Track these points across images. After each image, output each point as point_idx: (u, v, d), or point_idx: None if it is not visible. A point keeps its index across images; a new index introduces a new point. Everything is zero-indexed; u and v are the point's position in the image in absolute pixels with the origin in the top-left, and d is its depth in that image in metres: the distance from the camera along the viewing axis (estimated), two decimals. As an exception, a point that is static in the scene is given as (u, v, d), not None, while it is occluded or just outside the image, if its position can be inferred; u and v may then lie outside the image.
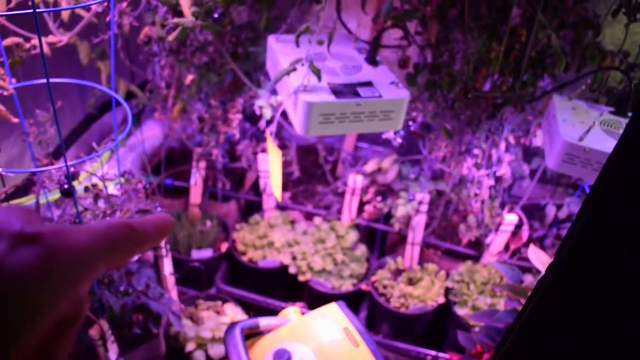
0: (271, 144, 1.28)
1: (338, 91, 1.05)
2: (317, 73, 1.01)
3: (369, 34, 1.85)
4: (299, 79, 1.05)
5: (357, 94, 1.06)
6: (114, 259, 0.34)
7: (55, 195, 1.34)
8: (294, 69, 1.02)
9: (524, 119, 1.56)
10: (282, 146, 1.96)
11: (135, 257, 1.33)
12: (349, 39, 1.32)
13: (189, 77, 1.41)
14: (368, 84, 1.11)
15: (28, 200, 1.46)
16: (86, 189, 1.14)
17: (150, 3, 1.28)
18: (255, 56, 1.51)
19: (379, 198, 1.77)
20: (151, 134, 2.08)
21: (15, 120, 1.16)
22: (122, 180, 1.22)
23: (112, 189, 1.24)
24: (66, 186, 0.99)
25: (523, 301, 1.17)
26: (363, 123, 1.08)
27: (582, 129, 1.18)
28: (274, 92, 1.55)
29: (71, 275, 0.30)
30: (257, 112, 1.58)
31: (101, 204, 1.13)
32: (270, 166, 1.35)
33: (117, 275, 1.27)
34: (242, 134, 1.80)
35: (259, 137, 1.84)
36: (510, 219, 1.63)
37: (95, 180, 1.09)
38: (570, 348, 0.37)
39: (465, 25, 1.27)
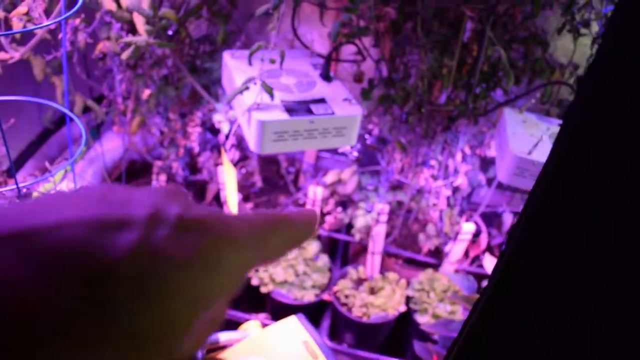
0: (226, 161, 1.29)
1: (291, 109, 1.07)
2: (269, 91, 1.03)
3: (330, 46, 1.88)
4: (252, 97, 1.06)
5: (310, 112, 1.08)
6: (270, 253, 0.31)
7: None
8: (247, 88, 1.03)
9: (478, 131, 1.60)
10: (244, 157, 1.97)
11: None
12: (306, 54, 1.34)
13: (147, 92, 1.41)
14: (321, 100, 1.12)
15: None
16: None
17: (104, 19, 1.28)
18: (211, 70, 1.52)
19: (339, 209, 1.79)
20: (111, 146, 2.07)
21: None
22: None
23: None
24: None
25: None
26: (317, 140, 1.10)
27: (531, 142, 1.21)
28: (232, 105, 1.56)
29: (231, 267, 0.28)
30: (217, 125, 1.59)
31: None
32: (226, 182, 1.36)
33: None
34: (203, 146, 1.81)
35: (220, 149, 1.85)
36: (468, 227, 1.67)
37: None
38: (516, 352, 0.38)
39: (418, 41, 1.29)
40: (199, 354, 1.09)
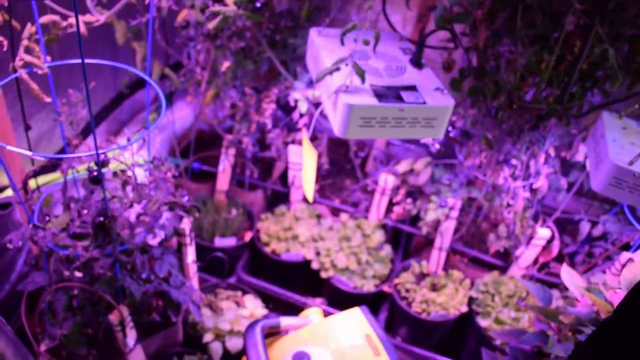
0: (307, 143, 1.25)
1: (381, 94, 1.01)
2: (362, 75, 0.97)
3: (413, 30, 1.80)
4: (341, 79, 1.01)
5: (400, 99, 1.02)
6: None
7: (83, 171, 1.32)
8: (338, 69, 0.98)
9: (566, 132, 1.50)
10: (313, 138, 1.92)
11: (158, 242, 1.31)
12: (394, 37, 1.28)
13: (225, 64, 1.38)
14: (412, 88, 1.06)
15: (56, 179, 1.45)
16: (115, 174, 1.12)
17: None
18: (293, 46, 1.47)
19: (409, 200, 1.72)
20: (182, 114, 2.06)
21: (48, 99, 1.14)
22: (152, 166, 1.20)
23: (141, 174, 1.22)
24: (95, 173, 0.97)
25: (553, 325, 1.12)
26: (404, 129, 1.04)
27: (632, 152, 1.12)
28: (310, 84, 1.51)
29: None
30: (292, 103, 1.55)
31: (129, 190, 1.10)
32: (304, 166, 1.31)
33: (140, 261, 1.26)
34: (274, 123, 1.77)
35: (291, 127, 1.81)
36: (543, 233, 1.58)
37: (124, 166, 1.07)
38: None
39: (516, 32, 1.21)
40: None
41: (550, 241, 1.71)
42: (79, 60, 0.87)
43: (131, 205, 1.03)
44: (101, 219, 1.02)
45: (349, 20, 1.85)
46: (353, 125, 0.99)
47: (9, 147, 0.95)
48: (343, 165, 2.03)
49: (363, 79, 0.98)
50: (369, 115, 0.99)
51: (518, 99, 1.31)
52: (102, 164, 0.98)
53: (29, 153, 0.95)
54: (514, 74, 1.26)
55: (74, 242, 1.10)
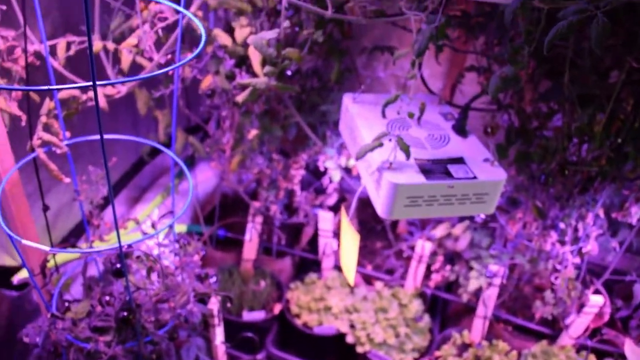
0: (347, 226, 1.16)
1: (427, 169, 0.92)
2: (406, 150, 0.88)
3: (443, 87, 1.73)
4: (383, 154, 0.92)
5: (448, 174, 0.93)
6: None
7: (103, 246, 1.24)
8: (381, 145, 0.89)
9: (617, 192, 1.40)
10: (342, 199, 1.84)
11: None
12: (432, 100, 1.20)
13: (253, 132, 1.31)
14: (459, 160, 0.97)
15: (75, 256, 1.38)
16: (138, 258, 1.03)
17: (217, 54, 1.19)
18: (322, 109, 1.40)
19: (448, 267, 1.62)
20: (204, 177, 1.99)
21: (67, 180, 1.07)
22: (177, 245, 1.12)
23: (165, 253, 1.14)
24: (118, 265, 0.89)
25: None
26: (453, 206, 0.94)
27: None
28: (341, 148, 1.44)
29: None
30: (321, 168, 1.47)
31: (154, 277, 1.02)
32: (343, 249, 1.23)
33: (166, 345, 1.16)
34: (302, 186, 1.69)
35: (319, 190, 1.73)
36: (596, 300, 1.46)
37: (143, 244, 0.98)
38: None
39: (564, 93, 1.12)
40: None
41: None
42: (98, 137, 0.80)
43: (158, 298, 0.94)
44: (125, 313, 0.93)
45: (374, 77, 1.79)
46: (399, 205, 0.90)
47: (25, 242, 0.87)
48: (373, 227, 1.93)
49: (408, 155, 0.89)
50: (416, 194, 0.90)
51: (568, 163, 1.21)
52: (125, 255, 0.90)
53: (46, 248, 0.87)
54: (563, 137, 1.17)
55: (95, 335, 1.01)
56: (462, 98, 1.53)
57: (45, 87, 0.66)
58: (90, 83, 0.64)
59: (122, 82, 1.17)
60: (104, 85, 1.18)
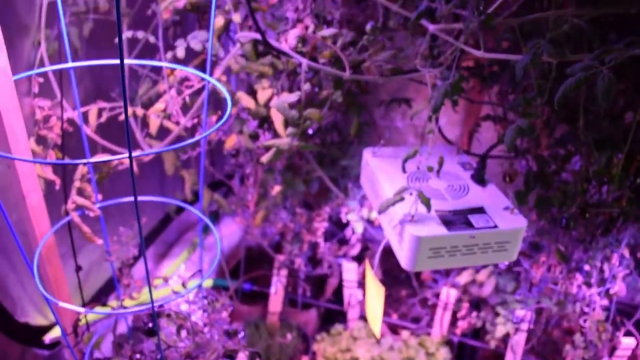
0: (372, 278, 1.18)
1: (448, 221, 0.95)
2: (427, 203, 0.91)
3: (460, 134, 1.76)
4: (404, 207, 0.95)
5: (469, 224, 0.95)
6: None
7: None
8: (402, 199, 0.92)
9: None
10: (365, 248, 1.85)
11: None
12: (450, 150, 1.23)
13: (276, 188, 1.34)
14: (480, 210, 0.99)
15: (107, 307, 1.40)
16: (169, 316, 1.06)
17: (240, 116, 1.24)
18: (344, 165, 1.43)
19: (474, 313, 1.61)
20: (228, 231, 2.02)
21: (100, 242, 1.11)
22: (206, 302, 1.14)
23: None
24: (150, 325, 0.91)
25: None
26: (475, 256, 0.96)
27: None
28: (363, 200, 1.46)
29: None
30: (344, 220, 1.49)
31: (184, 335, 1.04)
32: (368, 301, 1.24)
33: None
34: (325, 237, 1.71)
35: (342, 241, 1.75)
36: (629, 343, 1.44)
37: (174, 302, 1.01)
38: None
39: (580, 138, 1.14)
40: None
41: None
42: (131, 199, 0.83)
43: (188, 355, 0.96)
44: (157, 373, 0.95)
45: (393, 127, 1.83)
46: (422, 257, 0.92)
47: (62, 304, 0.91)
48: (397, 275, 1.94)
49: (429, 208, 0.92)
50: (439, 245, 0.92)
51: (589, 205, 1.22)
52: (157, 314, 0.92)
53: (81, 310, 0.90)
54: (582, 180, 1.18)
55: (128, 396, 1.03)
56: (479, 146, 1.56)
57: (84, 161, 0.70)
58: (126, 154, 0.68)
59: (157, 153, 1.22)
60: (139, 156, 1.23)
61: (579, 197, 1.21)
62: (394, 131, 1.75)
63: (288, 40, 1.01)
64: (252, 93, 1.21)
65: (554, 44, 0.83)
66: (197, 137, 0.75)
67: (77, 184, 1.14)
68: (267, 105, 1.15)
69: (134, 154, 1.22)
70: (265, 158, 1.07)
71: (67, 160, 1.02)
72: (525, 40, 1.05)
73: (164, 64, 1.15)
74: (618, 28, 0.98)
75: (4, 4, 1.13)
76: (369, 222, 1.59)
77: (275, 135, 1.17)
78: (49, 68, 1.12)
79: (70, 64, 1.04)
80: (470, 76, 1.21)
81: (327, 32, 0.97)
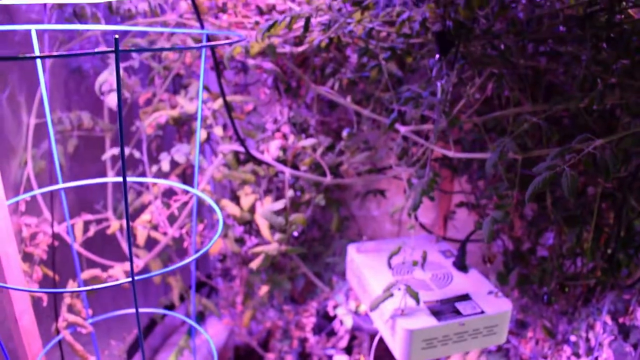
0: None
1: (437, 311, 0.98)
2: (416, 297, 0.95)
3: (435, 218, 1.82)
4: (394, 302, 0.98)
5: (457, 312, 0.98)
6: None
7: None
8: (391, 295, 0.96)
9: (619, 297, 1.45)
10: (353, 337, 1.86)
11: None
12: (428, 239, 1.28)
13: (264, 288, 1.36)
14: (465, 297, 1.03)
15: None
16: None
17: (225, 221, 1.27)
18: (325, 257, 1.47)
19: (468, 395, 1.61)
20: (215, 331, 2.01)
21: (92, 358, 1.11)
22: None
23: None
24: None
25: None
26: (466, 342, 0.99)
27: None
28: (348, 291, 1.49)
29: None
30: (331, 313, 1.51)
31: None
32: None
33: None
34: (313, 330, 1.72)
35: (330, 333, 1.75)
36: (622, 412, 1.46)
37: None
38: None
39: (550, 218, 1.21)
40: None
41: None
42: (126, 311, 0.85)
43: None
44: None
45: (369, 216, 1.89)
46: (416, 350, 0.95)
47: None
48: (388, 360, 1.94)
49: (418, 301, 0.95)
50: (431, 336, 0.95)
51: (567, 279, 1.28)
52: None
53: None
54: (558, 256, 1.24)
55: None
56: (454, 229, 1.62)
57: (82, 289, 0.72)
58: (130, 279, 0.71)
59: (161, 274, 1.24)
60: (141, 279, 1.25)
61: (557, 272, 1.26)
62: (370, 220, 1.80)
63: (270, 151, 1.07)
64: (235, 198, 1.26)
65: (517, 140, 0.90)
66: (189, 259, 0.78)
67: (67, 300, 1.15)
68: (251, 210, 1.20)
69: (124, 267, 1.24)
70: (255, 264, 1.10)
71: (67, 289, 1.03)
72: (488, 133, 1.14)
73: (158, 180, 1.19)
74: (571, 119, 1.08)
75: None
76: (356, 312, 1.61)
77: (260, 237, 1.21)
78: (42, 190, 1.15)
79: (61, 185, 1.07)
80: (441, 167, 1.28)
81: (307, 142, 1.03)
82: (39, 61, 0.97)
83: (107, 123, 1.35)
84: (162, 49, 0.69)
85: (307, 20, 0.86)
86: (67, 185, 1.10)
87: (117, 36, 0.54)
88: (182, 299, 1.47)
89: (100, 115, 1.35)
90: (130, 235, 1.23)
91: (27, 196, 1.10)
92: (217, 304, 1.60)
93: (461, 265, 1.13)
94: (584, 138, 0.78)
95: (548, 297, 1.26)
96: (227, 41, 0.65)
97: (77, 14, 1.13)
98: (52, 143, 1.05)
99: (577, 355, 1.48)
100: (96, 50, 0.59)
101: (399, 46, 1.01)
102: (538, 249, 1.35)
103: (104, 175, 1.38)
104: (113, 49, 0.54)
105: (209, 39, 0.91)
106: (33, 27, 0.93)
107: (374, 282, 1.06)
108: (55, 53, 0.58)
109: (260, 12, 1.19)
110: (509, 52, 1.01)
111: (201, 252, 0.80)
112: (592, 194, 1.26)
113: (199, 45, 0.87)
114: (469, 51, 1.03)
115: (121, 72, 1.29)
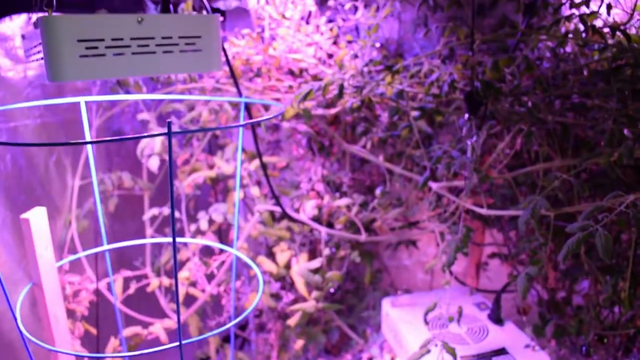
0: None
1: (475, 367, 0.98)
2: (453, 354, 0.95)
3: (466, 263, 1.82)
4: (431, 358, 0.99)
5: (495, 368, 0.99)
6: None
7: None
8: (428, 351, 0.96)
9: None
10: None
11: None
12: (463, 291, 1.29)
13: (299, 342, 1.38)
14: (502, 351, 1.04)
15: None
16: None
17: (263, 277, 1.30)
18: (359, 310, 1.48)
19: None
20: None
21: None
22: None
23: None
24: None
25: None
26: (506, 399, 0.99)
27: None
28: (383, 342, 1.49)
29: None
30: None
31: None
32: None
33: None
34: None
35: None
36: None
37: None
38: None
39: (584, 269, 1.21)
40: None
41: None
42: None
43: None
44: None
45: (401, 266, 1.90)
46: (456, 407, 0.95)
47: None
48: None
49: (455, 357, 0.96)
50: (470, 393, 0.95)
51: (605, 329, 1.26)
52: None
53: None
54: (594, 305, 1.23)
55: None
56: (486, 278, 1.62)
57: (128, 354, 0.75)
58: (177, 344, 0.73)
59: (210, 336, 1.27)
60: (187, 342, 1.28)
61: (594, 322, 1.25)
62: (403, 270, 1.81)
63: (306, 211, 1.10)
64: (271, 254, 1.29)
65: (548, 194, 0.92)
66: (231, 323, 0.81)
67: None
68: (286, 265, 1.22)
69: (163, 324, 1.27)
70: (292, 321, 1.12)
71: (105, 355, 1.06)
72: (518, 187, 1.16)
73: (201, 241, 1.22)
74: (601, 171, 1.09)
75: (44, 193, 1.23)
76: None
77: (296, 292, 1.23)
78: (90, 251, 1.18)
79: (106, 246, 1.11)
80: (472, 219, 1.29)
81: (342, 201, 1.07)
82: (86, 128, 1.03)
83: (146, 182, 1.40)
84: (208, 129, 0.73)
85: (341, 87, 0.90)
86: (113, 247, 1.14)
87: (169, 120, 0.58)
88: (217, 351, 1.48)
89: (140, 175, 1.40)
90: (175, 295, 1.27)
91: (75, 258, 1.15)
92: (252, 357, 1.61)
93: (497, 318, 1.14)
94: (615, 195, 0.80)
95: (587, 349, 1.25)
96: (267, 117, 0.69)
97: (121, 82, 1.20)
98: (97, 204, 1.10)
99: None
100: (149, 133, 0.64)
101: (428, 106, 1.05)
102: (573, 297, 1.34)
103: (143, 232, 1.43)
104: (165, 130, 0.59)
105: (246, 106, 0.96)
106: (82, 100, 0.99)
107: (411, 337, 1.07)
108: (109, 138, 0.62)
109: (293, 75, 1.24)
110: (536, 109, 1.03)
111: (242, 316, 0.83)
112: (626, 239, 1.26)
113: (242, 123, 0.92)
114: (497, 109, 1.06)
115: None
